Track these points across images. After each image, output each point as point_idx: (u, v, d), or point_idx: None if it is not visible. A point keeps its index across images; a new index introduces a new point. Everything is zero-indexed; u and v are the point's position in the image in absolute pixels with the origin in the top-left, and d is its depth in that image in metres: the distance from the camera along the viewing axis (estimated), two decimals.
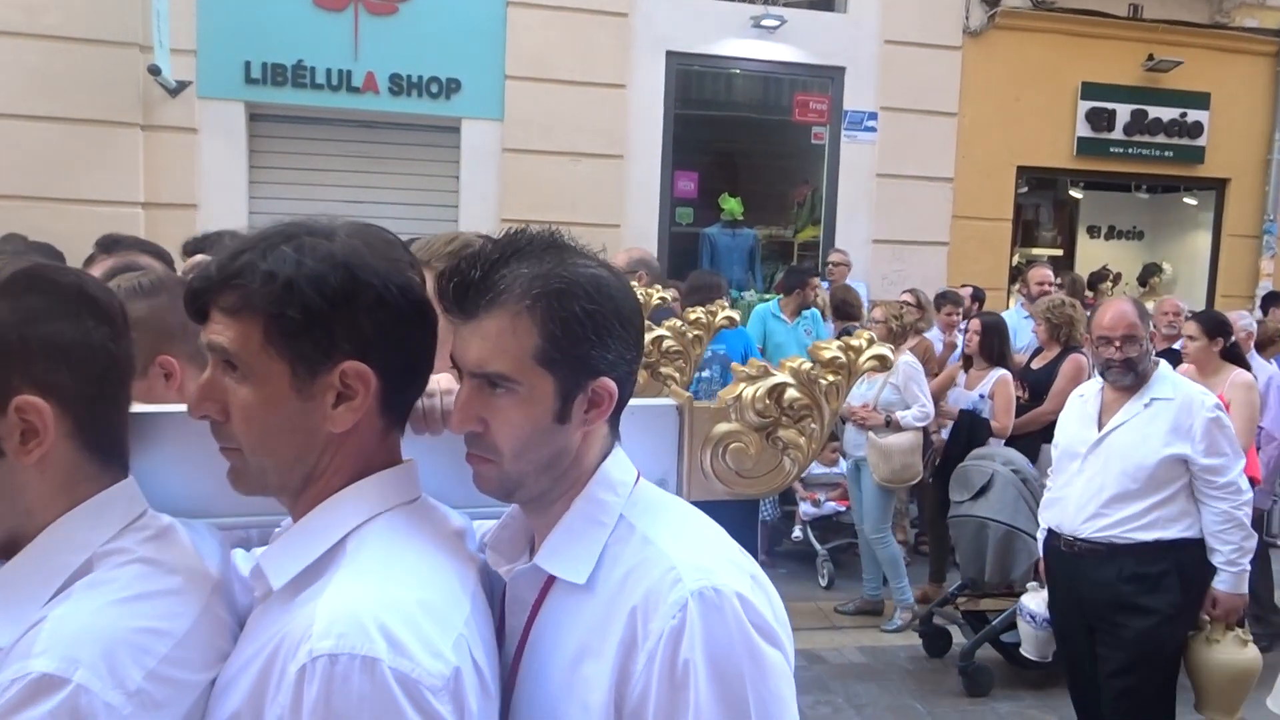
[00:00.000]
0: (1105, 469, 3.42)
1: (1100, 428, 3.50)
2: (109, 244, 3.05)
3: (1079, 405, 3.65)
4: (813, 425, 1.35)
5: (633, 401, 1.21)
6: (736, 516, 1.31)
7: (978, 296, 7.80)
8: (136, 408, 1.18)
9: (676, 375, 1.94)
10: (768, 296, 7.85)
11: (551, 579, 1.14)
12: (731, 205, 8.76)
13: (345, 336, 1.06)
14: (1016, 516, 4.82)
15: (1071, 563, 3.54)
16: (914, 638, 5.46)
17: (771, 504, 6.44)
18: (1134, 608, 3.36)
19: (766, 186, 9.57)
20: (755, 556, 1.23)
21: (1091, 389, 3.65)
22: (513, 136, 7.80)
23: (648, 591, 1.06)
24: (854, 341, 1.37)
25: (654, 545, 1.11)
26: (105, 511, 1.08)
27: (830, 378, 1.35)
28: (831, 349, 1.36)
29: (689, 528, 1.17)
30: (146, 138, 7.20)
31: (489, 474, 1.13)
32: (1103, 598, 3.43)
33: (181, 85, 7.16)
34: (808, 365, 1.36)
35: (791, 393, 1.34)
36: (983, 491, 4.96)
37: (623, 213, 8.10)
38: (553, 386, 1.09)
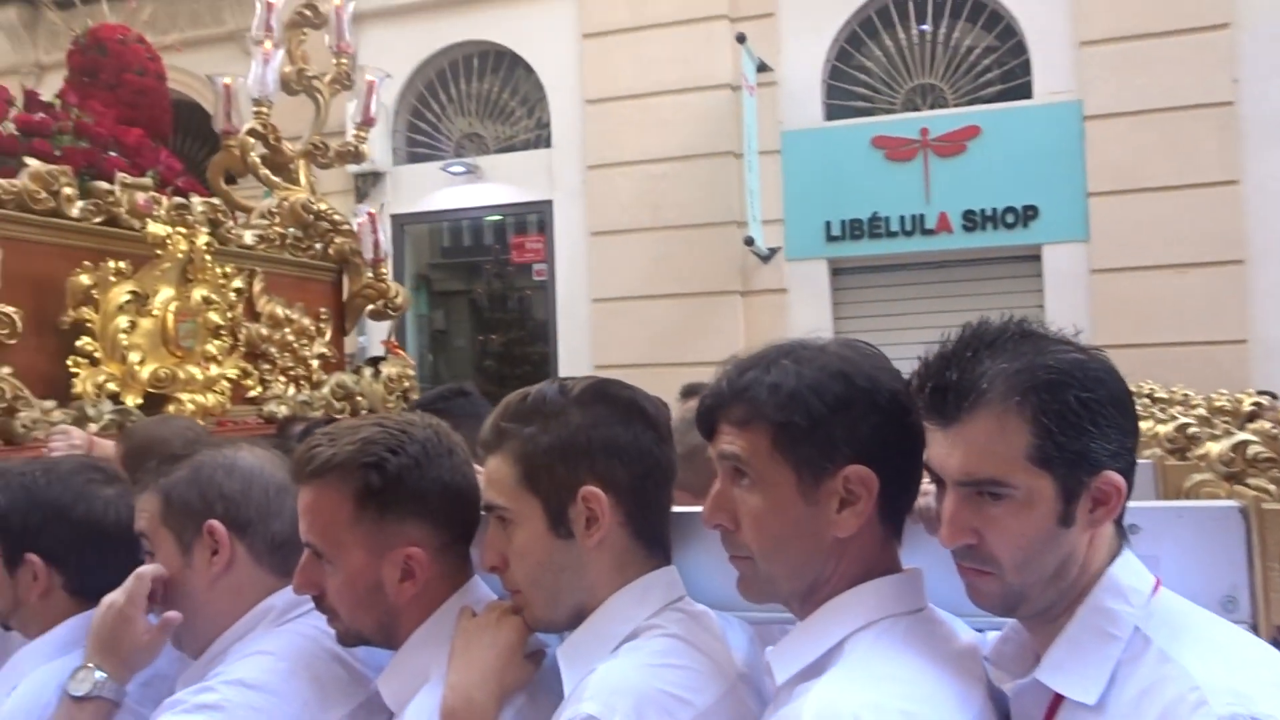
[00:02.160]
0: None
1: None
2: (689, 391, 3.59)
3: None
4: None
5: (1184, 504, 1.07)
6: None
7: None
8: (677, 508, 1.35)
9: (1272, 488, 1.64)
10: None
11: (1059, 697, 1.04)
12: None
13: (846, 441, 1.10)
14: None
15: None
16: None
17: None
18: None
19: None
20: None
21: None
22: (1101, 256, 7.33)
23: (1163, 713, 0.93)
24: None
25: (1174, 663, 0.97)
26: (649, 592, 1.24)
27: None
28: None
29: (1224, 645, 0.99)
30: (745, 302, 8.16)
31: (989, 588, 1.07)
32: None
33: (772, 251, 8.06)
34: None
35: None
36: None
37: (1247, 325, 7.04)
38: (1052, 487, 1.01)
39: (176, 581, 1.50)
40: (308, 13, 3.90)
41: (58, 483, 1.66)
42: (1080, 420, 1.00)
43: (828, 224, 7.97)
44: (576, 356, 8.49)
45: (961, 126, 7.62)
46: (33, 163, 2.96)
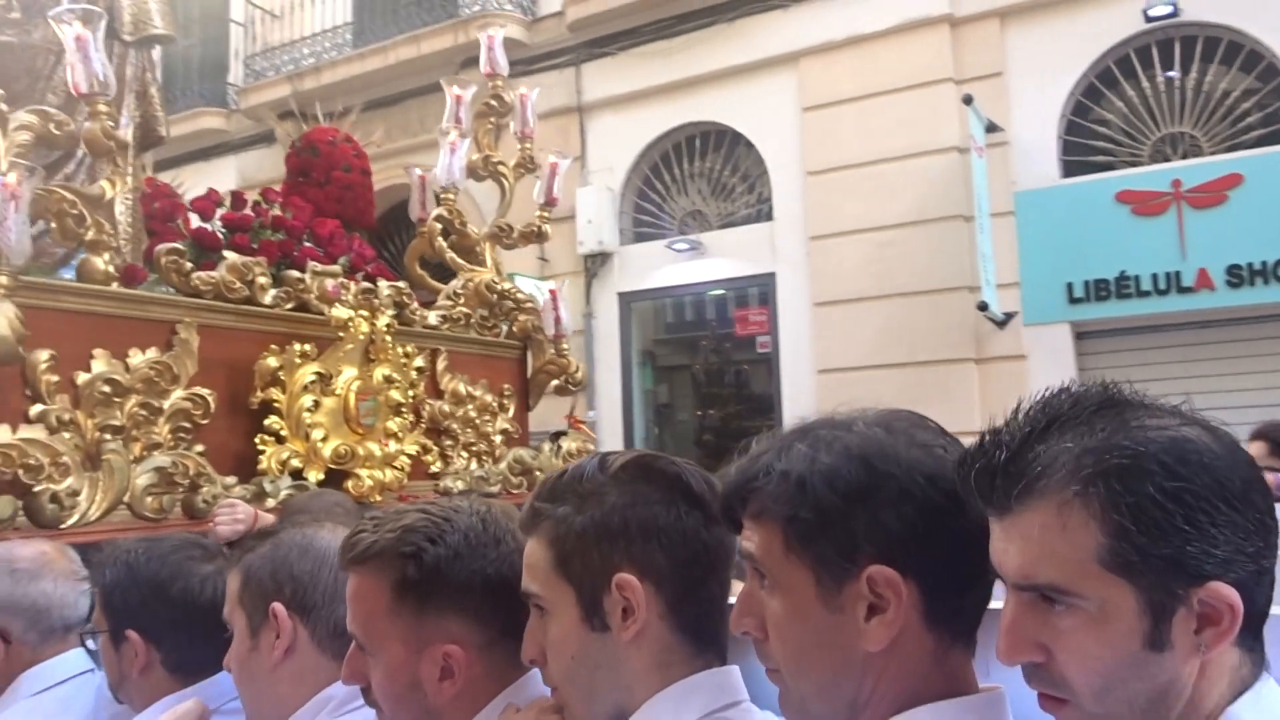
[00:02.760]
0: None
1: None
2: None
3: None
4: None
5: None
6: None
7: None
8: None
9: None
10: None
11: None
12: None
13: (867, 536, 0.95)
14: None
15: None
16: None
17: None
18: None
19: None
20: None
21: None
22: None
23: None
24: None
25: None
26: (691, 695, 1.09)
27: None
28: None
29: None
30: (980, 370, 7.63)
31: (1067, 719, 0.87)
32: None
33: (1008, 316, 7.51)
34: None
35: None
36: None
37: None
38: (1133, 600, 0.81)
39: (244, 664, 1.49)
40: (494, 103, 4.08)
41: (157, 560, 1.72)
42: (1169, 517, 0.79)
43: (1069, 285, 7.34)
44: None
45: (1221, 175, 6.82)
46: (231, 255, 3.23)
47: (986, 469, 0.88)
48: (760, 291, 9.12)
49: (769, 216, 8.87)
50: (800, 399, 8.44)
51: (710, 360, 9.51)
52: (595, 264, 9.38)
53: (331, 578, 1.46)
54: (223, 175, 10.71)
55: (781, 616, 0.98)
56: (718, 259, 9.06)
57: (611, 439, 9.05)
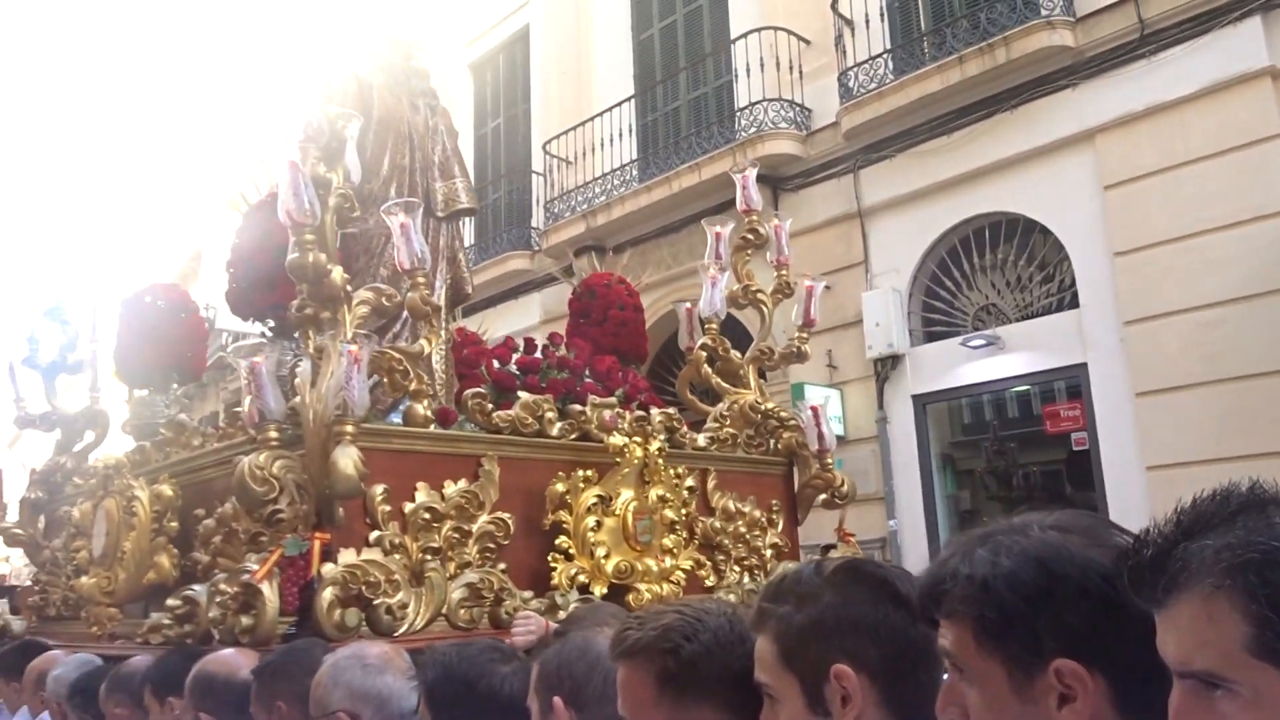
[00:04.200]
0: None
1: None
2: None
3: None
4: None
5: None
6: None
7: None
8: None
9: None
10: None
11: None
12: None
13: (1051, 633, 1.07)
14: None
15: None
16: None
17: None
18: None
19: None
20: None
21: None
22: None
23: None
24: None
25: None
26: None
27: None
28: None
29: None
30: None
31: None
32: None
33: None
34: None
35: None
36: None
37: None
38: None
39: None
40: (750, 236, 4.52)
41: (465, 661, 2.15)
42: None
43: None
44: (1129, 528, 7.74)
45: None
46: (524, 395, 3.86)
47: (1137, 567, 0.98)
48: (1070, 384, 8.79)
49: (1073, 304, 8.61)
50: (1127, 498, 7.97)
51: (1017, 461, 9.22)
52: (885, 367, 9.49)
53: (602, 679, 1.73)
54: (529, 311, 12.01)
55: (981, 706, 1.12)
56: (1018, 353, 8.86)
57: (915, 548, 8.96)
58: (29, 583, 4.95)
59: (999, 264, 9.20)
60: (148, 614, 3.70)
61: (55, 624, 4.52)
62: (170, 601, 3.45)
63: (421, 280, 3.76)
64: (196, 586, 3.43)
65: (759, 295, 4.50)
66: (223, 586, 3.25)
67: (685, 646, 1.50)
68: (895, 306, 9.41)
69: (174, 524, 3.82)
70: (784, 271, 4.50)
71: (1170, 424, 7.68)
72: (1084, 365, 8.47)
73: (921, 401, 9.37)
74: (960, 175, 9.07)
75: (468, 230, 13.38)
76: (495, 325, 10.01)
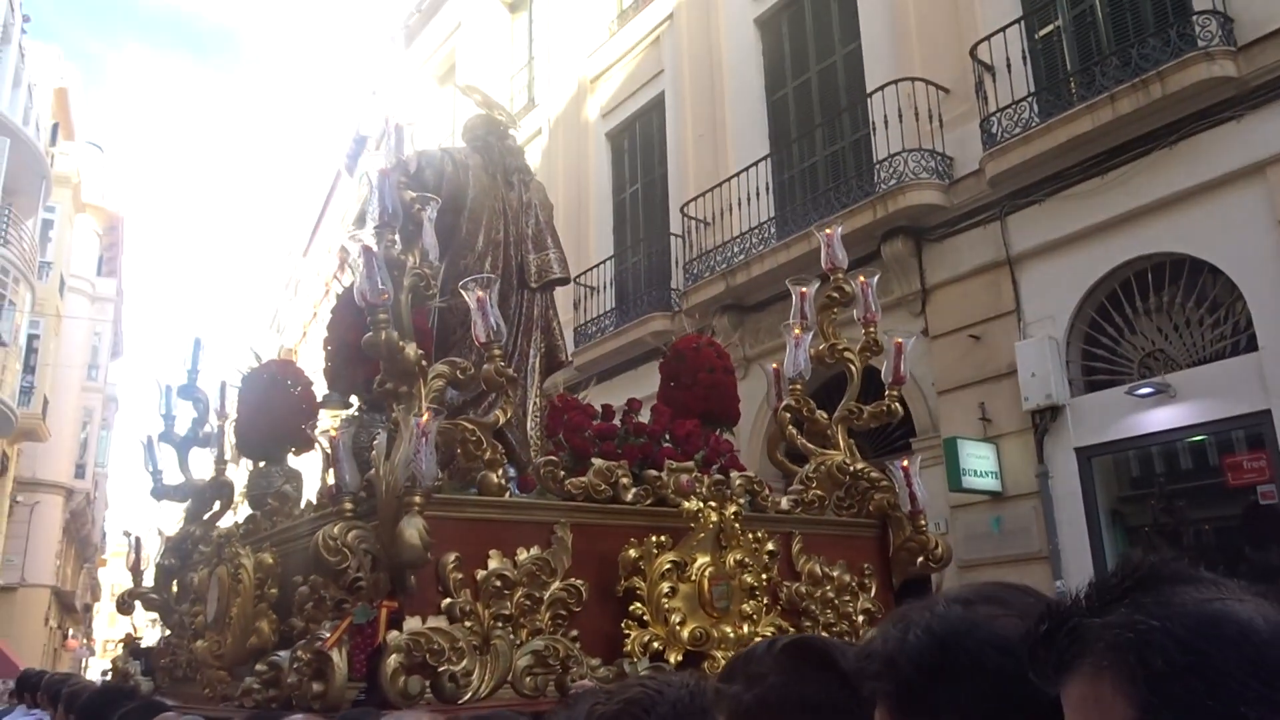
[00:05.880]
0: None
1: None
2: None
3: None
4: None
5: None
6: None
7: None
8: None
9: None
10: None
11: None
12: None
13: (946, 709, 1.10)
14: None
15: None
16: None
17: None
18: None
19: None
20: None
21: None
22: None
23: None
24: None
25: None
26: None
27: None
28: None
29: None
30: None
31: None
32: None
33: None
34: None
35: None
36: None
37: None
38: None
39: None
40: (835, 295, 4.46)
41: None
42: (1195, 694, 0.80)
43: None
44: None
45: None
46: (597, 462, 3.93)
47: (1032, 643, 0.96)
48: (1250, 433, 8.11)
49: (1251, 347, 7.99)
50: None
51: (1188, 517, 8.54)
52: (1044, 419, 9.04)
53: None
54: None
55: None
56: (1191, 401, 8.26)
57: None
58: (161, 645, 5.39)
59: (1164, 307, 8.66)
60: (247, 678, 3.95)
61: (180, 685, 4.88)
62: (259, 667, 3.68)
63: (497, 353, 3.92)
64: (282, 653, 3.64)
65: (845, 353, 4.43)
66: (300, 653, 3.45)
67: (644, 719, 1.53)
68: (1052, 355, 8.98)
69: (274, 591, 4.08)
70: (871, 329, 4.41)
71: None
72: (1267, 412, 7.82)
73: (1086, 454, 8.86)
74: (1117, 216, 8.63)
75: (608, 295, 13.72)
76: (638, 387, 10.19)
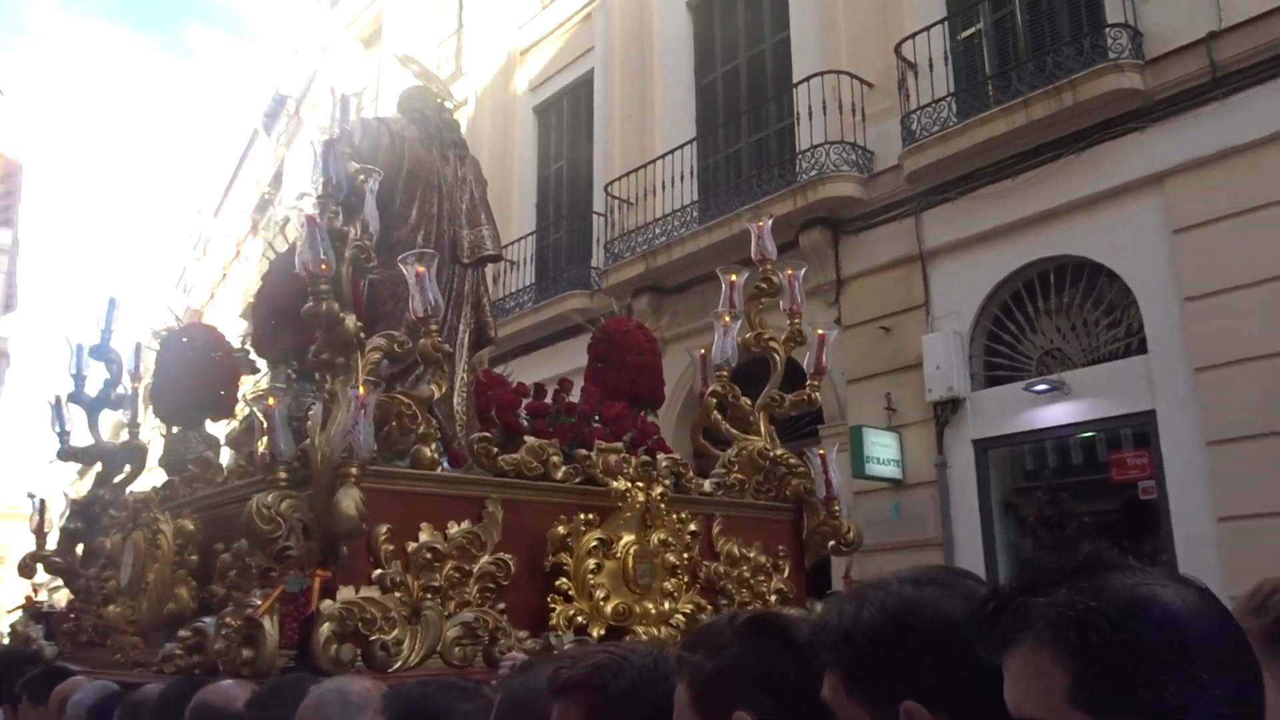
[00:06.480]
0: None
1: None
2: None
3: None
4: None
5: None
6: None
7: None
8: None
9: None
10: None
11: None
12: None
13: (903, 681, 1.17)
14: None
15: None
16: None
17: None
18: None
19: None
20: None
21: None
22: None
23: None
24: None
25: None
26: None
27: None
28: None
29: None
30: None
31: None
32: None
33: None
34: None
35: None
36: None
37: None
38: None
39: None
40: (764, 285, 4.62)
41: (428, 698, 2.23)
42: (1124, 667, 0.91)
43: None
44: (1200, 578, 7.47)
45: None
46: (529, 440, 4.02)
47: (980, 619, 1.07)
48: (1137, 432, 8.59)
49: (1141, 349, 8.45)
50: (1197, 549, 7.75)
51: (1072, 509, 9.02)
52: (946, 411, 9.41)
53: None
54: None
55: None
56: (1084, 399, 8.71)
57: None
58: (65, 609, 5.29)
59: (1064, 308, 9.08)
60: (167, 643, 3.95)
61: (86, 650, 4.82)
62: (181, 632, 3.69)
63: (434, 328, 3.96)
64: (207, 619, 3.65)
65: (771, 343, 4.60)
66: (228, 620, 3.47)
67: (612, 683, 1.62)
68: (957, 350, 9.34)
69: (194, 557, 4.07)
70: (796, 320, 4.58)
71: (1245, 476, 7.46)
72: (1152, 412, 8.29)
73: (983, 446, 9.26)
74: (1025, 218, 9.01)
75: (528, 271, 13.72)
76: (554, 364, 10.24)
